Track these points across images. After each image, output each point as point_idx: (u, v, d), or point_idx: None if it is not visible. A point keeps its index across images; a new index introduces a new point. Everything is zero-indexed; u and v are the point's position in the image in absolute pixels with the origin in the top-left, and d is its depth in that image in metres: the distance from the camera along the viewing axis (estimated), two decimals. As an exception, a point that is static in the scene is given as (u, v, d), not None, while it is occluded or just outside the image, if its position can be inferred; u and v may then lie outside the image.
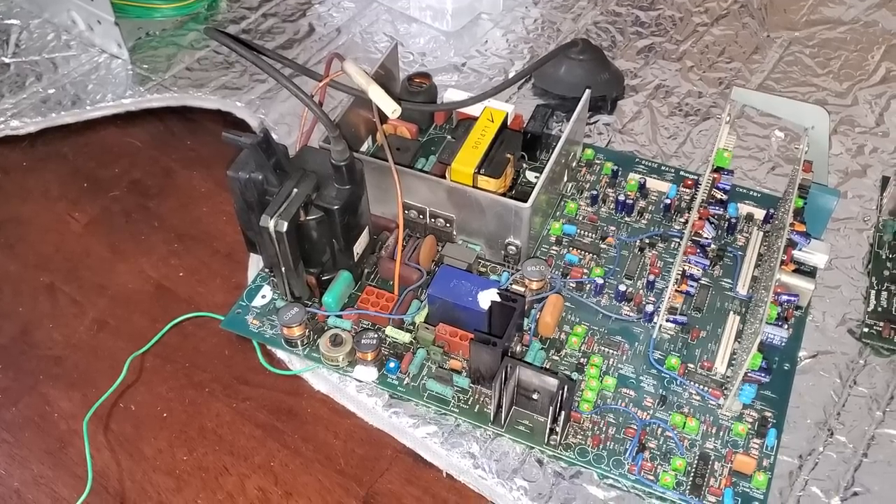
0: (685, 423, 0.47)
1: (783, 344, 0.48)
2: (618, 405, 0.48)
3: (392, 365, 0.49)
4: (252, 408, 0.50)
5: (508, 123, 0.58)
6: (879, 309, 0.53)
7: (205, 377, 0.51)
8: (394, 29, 0.74)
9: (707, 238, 0.50)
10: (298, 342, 0.51)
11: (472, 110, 0.59)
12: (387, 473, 0.47)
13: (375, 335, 0.49)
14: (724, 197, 0.53)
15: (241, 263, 0.57)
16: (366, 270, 0.54)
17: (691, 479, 0.45)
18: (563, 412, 0.46)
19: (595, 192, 0.58)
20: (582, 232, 0.57)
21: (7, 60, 0.71)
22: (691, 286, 0.51)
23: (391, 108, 0.50)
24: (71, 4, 0.70)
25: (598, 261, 0.55)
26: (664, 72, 0.69)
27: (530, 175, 0.59)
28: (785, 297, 0.47)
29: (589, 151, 0.61)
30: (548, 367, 0.50)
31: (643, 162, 0.61)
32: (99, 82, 0.69)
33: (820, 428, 0.48)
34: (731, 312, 0.52)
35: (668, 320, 0.51)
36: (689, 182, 0.59)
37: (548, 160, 0.53)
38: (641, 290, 0.53)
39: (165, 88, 0.68)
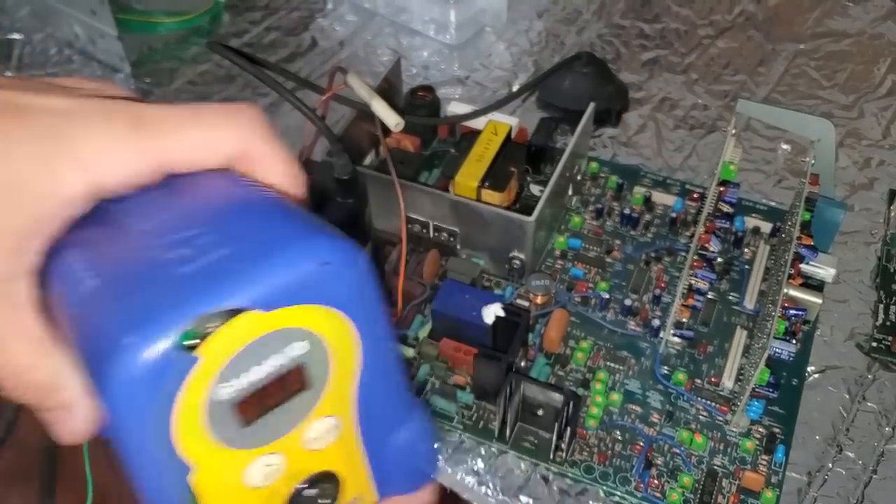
0: (692, 439, 0.46)
1: (791, 359, 0.47)
2: (624, 421, 0.48)
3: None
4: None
5: (512, 136, 0.57)
6: (888, 323, 0.52)
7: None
8: (397, 42, 0.74)
9: (713, 252, 0.50)
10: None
11: (476, 123, 0.59)
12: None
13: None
14: (731, 210, 0.52)
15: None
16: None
17: (699, 496, 0.45)
18: (568, 428, 0.45)
19: (600, 206, 0.58)
20: (587, 246, 0.56)
21: (10, 75, 0.71)
22: (698, 300, 0.50)
23: (394, 121, 0.50)
24: (73, 19, 0.70)
25: (604, 275, 0.55)
26: (669, 84, 0.69)
27: (534, 188, 0.59)
28: (793, 312, 0.47)
29: (594, 164, 0.61)
30: (553, 382, 0.49)
31: (648, 175, 0.61)
32: (102, 96, 0.69)
33: (828, 444, 0.47)
34: (739, 327, 0.51)
35: (674, 335, 0.50)
36: (695, 195, 0.58)
37: (552, 173, 0.52)
38: (647, 305, 0.53)
39: (168, 102, 0.68)
